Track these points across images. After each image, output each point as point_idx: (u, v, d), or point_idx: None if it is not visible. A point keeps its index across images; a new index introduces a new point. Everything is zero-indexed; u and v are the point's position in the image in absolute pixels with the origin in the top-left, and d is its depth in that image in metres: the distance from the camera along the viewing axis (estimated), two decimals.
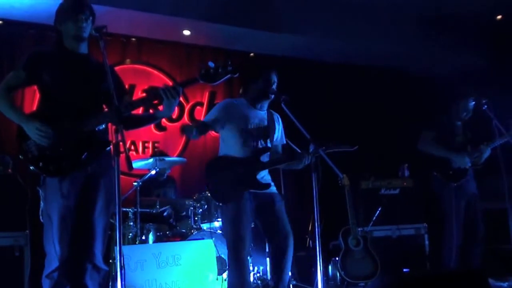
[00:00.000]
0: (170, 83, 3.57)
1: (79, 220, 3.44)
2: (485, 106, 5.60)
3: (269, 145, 4.42)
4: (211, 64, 3.41)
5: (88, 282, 3.47)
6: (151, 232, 5.64)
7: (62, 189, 3.39)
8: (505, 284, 5.72)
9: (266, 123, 4.45)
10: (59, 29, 3.57)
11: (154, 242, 5.55)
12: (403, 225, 6.63)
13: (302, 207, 6.73)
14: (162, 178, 6.50)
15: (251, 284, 4.99)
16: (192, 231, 5.57)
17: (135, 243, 5.42)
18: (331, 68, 8.34)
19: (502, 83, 7.10)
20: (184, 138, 7.53)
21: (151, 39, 7.41)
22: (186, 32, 7.27)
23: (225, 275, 5.09)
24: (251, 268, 5.33)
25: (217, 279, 5.04)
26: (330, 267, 6.22)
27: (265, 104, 4.48)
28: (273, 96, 4.39)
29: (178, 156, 7.23)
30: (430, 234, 6.61)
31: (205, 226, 5.72)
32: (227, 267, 5.10)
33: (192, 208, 5.78)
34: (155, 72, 7.45)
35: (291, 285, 5.46)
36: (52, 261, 3.38)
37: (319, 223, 3.95)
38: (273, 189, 4.42)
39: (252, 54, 8.06)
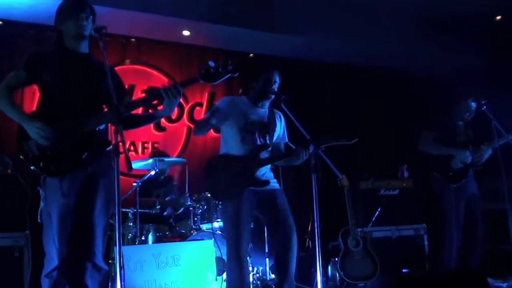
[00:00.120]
0: (167, 84, 3.56)
1: (78, 219, 3.43)
2: (484, 107, 5.61)
3: (268, 142, 4.42)
4: (211, 63, 3.41)
5: (88, 282, 3.47)
6: (151, 233, 5.65)
7: (62, 188, 3.39)
8: (505, 285, 5.71)
9: (266, 120, 4.46)
10: (59, 29, 3.57)
11: (153, 242, 5.55)
12: (402, 226, 6.63)
13: (301, 208, 6.73)
14: (161, 178, 6.49)
15: (250, 284, 4.99)
16: (192, 231, 5.58)
17: (135, 244, 5.42)
18: (330, 68, 8.34)
19: (502, 84, 7.10)
20: (183, 138, 7.54)
21: (151, 40, 7.42)
22: (186, 33, 7.27)
23: (224, 275, 5.09)
24: (250, 268, 5.33)
25: (216, 279, 5.05)
26: (329, 267, 6.22)
27: (266, 103, 4.49)
28: (273, 96, 4.41)
29: (178, 156, 7.23)
30: (429, 235, 6.61)
31: (204, 226, 5.73)
32: (226, 267, 5.11)
33: (191, 208, 5.78)
34: (155, 72, 7.46)
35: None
36: (52, 261, 3.38)
37: (318, 223, 3.95)
38: (275, 185, 4.42)
39: (251, 55, 8.07)
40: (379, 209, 6.54)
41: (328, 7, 7.34)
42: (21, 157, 3.42)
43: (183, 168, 6.48)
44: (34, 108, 5.60)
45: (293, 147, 4.49)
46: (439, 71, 8.33)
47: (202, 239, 5.35)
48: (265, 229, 5.60)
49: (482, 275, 2.89)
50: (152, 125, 7.17)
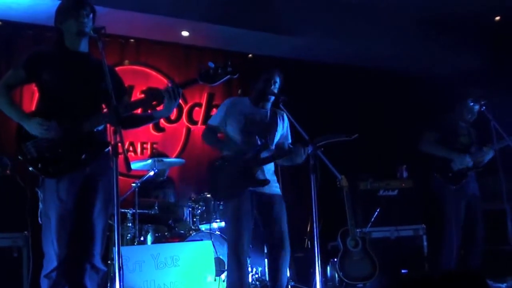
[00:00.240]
0: (169, 84, 3.56)
1: (77, 221, 3.44)
2: (484, 107, 5.62)
3: (270, 142, 4.44)
4: (211, 64, 3.41)
5: (87, 283, 3.48)
6: (150, 233, 5.65)
7: (61, 190, 3.39)
8: (504, 285, 5.71)
9: (267, 121, 4.48)
10: (59, 28, 3.57)
11: (152, 243, 5.55)
12: (401, 226, 6.63)
13: (300, 208, 6.72)
14: (161, 179, 6.49)
15: (250, 285, 4.99)
16: (191, 232, 5.57)
17: (134, 244, 5.41)
18: (330, 68, 8.33)
19: (501, 84, 7.11)
20: (182, 139, 7.54)
21: (150, 40, 7.41)
22: (185, 33, 7.27)
23: (223, 276, 5.09)
24: (249, 269, 5.33)
25: (215, 280, 5.04)
26: (328, 268, 6.22)
27: (267, 104, 4.51)
28: (272, 97, 4.42)
29: (177, 157, 7.23)
30: (429, 235, 6.61)
31: (203, 227, 5.73)
32: (225, 268, 5.11)
33: (190, 209, 5.78)
34: (154, 73, 7.45)
35: (289, 286, 5.46)
36: (51, 261, 3.38)
37: (317, 224, 3.95)
38: (276, 190, 4.44)
39: (250, 55, 8.06)
40: (378, 210, 6.55)
41: (328, 7, 7.33)
42: (19, 158, 3.41)
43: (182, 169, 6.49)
44: (33, 108, 5.62)
45: (289, 145, 4.52)
46: (439, 71, 8.34)
47: (201, 240, 5.35)
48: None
49: (481, 276, 2.89)
50: (151, 126, 7.17)
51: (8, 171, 5.32)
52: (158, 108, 3.72)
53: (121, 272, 3.01)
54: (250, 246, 5.34)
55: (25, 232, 5.20)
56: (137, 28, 6.99)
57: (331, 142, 4.13)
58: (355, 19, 7.42)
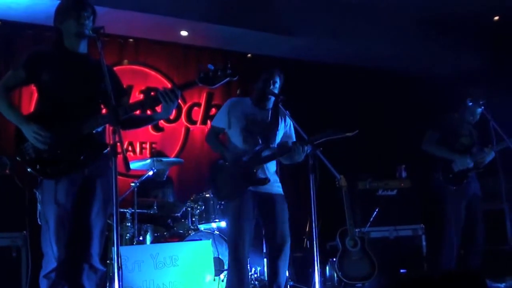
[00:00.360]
0: (169, 85, 3.59)
1: (76, 221, 3.43)
2: (483, 108, 5.62)
3: (271, 142, 4.45)
4: (210, 66, 3.38)
5: (85, 283, 3.47)
6: (149, 233, 5.65)
7: (59, 191, 3.38)
8: (502, 285, 5.72)
9: (268, 121, 4.49)
10: (59, 28, 3.55)
11: (151, 242, 5.55)
12: (400, 226, 6.64)
13: (299, 208, 6.72)
14: (161, 179, 6.49)
15: (249, 284, 4.99)
16: (190, 232, 5.57)
17: (133, 244, 5.41)
18: (330, 69, 8.34)
19: (501, 84, 7.11)
20: (181, 139, 7.54)
21: (149, 40, 7.41)
22: (184, 33, 7.26)
23: (222, 275, 5.09)
24: (248, 268, 5.33)
25: (214, 280, 5.05)
26: (327, 268, 6.23)
27: (268, 104, 4.52)
28: (271, 96, 4.43)
29: (176, 157, 7.23)
30: (428, 235, 6.62)
31: (202, 227, 5.73)
32: (224, 268, 5.11)
33: (189, 209, 5.78)
34: (153, 73, 7.45)
35: (288, 286, 5.46)
36: (50, 262, 3.37)
37: (316, 223, 3.95)
38: (278, 189, 4.46)
39: (249, 55, 8.06)
40: (377, 210, 6.55)
41: (328, 7, 7.33)
42: (18, 158, 3.41)
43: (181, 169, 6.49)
44: (32, 109, 5.61)
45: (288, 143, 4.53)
46: (439, 71, 8.34)
47: (200, 240, 5.35)
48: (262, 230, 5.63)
49: (480, 276, 2.89)
50: (150, 126, 7.17)
51: (7, 171, 5.32)
52: (157, 110, 3.72)
53: (120, 272, 3.02)
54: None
55: (24, 232, 5.21)
56: (136, 28, 6.99)
57: (331, 140, 4.13)
58: (355, 19, 7.42)
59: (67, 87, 3.46)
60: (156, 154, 6.45)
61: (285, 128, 4.59)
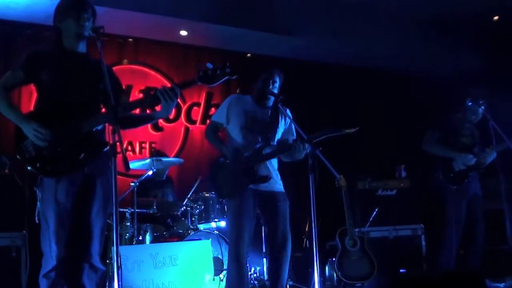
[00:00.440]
0: (168, 84, 3.59)
1: (76, 220, 3.43)
2: (482, 107, 5.62)
3: (271, 140, 4.46)
4: (209, 65, 3.39)
5: (85, 282, 3.47)
6: (148, 233, 5.64)
7: (59, 189, 3.38)
8: (502, 285, 5.72)
9: (268, 119, 4.50)
10: (58, 27, 3.55)
11: (151, 242, 5.55)
12: (400, 226, 6.64)
13: (299, 208, 6.72)
14: (160, 179, 6.49)
15: (249, 284, 5.00)
16: (189, 231, 5.57)
17: (132, 244, 5.41)
18: (330, 69, 8.33)
19: (501, 83, 7.12)
20: (181, 138, 7.54)
21: (148, 40, 7.41)
22: (183, 33, 7.26)
23: (221, 275, 5.09)
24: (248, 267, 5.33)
25: (213, 279, 5.05)
26: (327, 267, 6.22)
27: (268, 103, 4.53)
28: (271, 96, 4.44)
29: (175, 156, 7.23)
30: (428, 235, 6.62)
31: (202, 226, 5.73)
32: (224, 267, 5.11)
33: (189, 208, 5.78)
34: (152, 72, 7.45)
35: (288, 286, 5.46)
36: (49, 261, 3.37)
37: (316, 223, 3.95)
38: (279, 187, 4.47)
39: (249, 55, 8.06)
40: (376, 209, 6.55)
41: (328, 7, 7.33)
42: (18, 157, 3.41)
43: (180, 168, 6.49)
44: (31, 108, 5.61)
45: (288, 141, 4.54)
46: (439, 71, 8.34)
47: (200, 239, 5.35)
48: (263, 229, 5.63)
49: (480, 276, 2.89)
50: (149, 125, 7.17)
51: (6, 170, 5.32)
52: (156, 108, 3.72)
53: (119, 271, 3.01)
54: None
55: (24, 231, 5.20)
56: (136, 28, 6.99)
57: (330, 139, 4.13)
58: (355, 19, 7.42)
59: (66, 87, 3.46)
60: (156, 153, 6.44)
61: (285, 126, 4.60)
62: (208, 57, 7.37)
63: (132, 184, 5.55)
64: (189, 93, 7.59)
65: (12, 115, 3.45)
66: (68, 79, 3.47)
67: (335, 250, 6.04)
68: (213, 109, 7.59)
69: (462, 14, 7.47)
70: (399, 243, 6.60)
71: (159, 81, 7.34)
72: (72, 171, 3.42)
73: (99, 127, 3.50)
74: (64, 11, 3.51)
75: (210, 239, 5.27)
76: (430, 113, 6.13)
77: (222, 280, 5.07)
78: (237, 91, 4.74)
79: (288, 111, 4.56)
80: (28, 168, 3.38)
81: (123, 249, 4.93)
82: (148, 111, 3.99)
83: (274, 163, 4.48)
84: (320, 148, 4.12)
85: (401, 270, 6.38)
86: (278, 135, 4.54)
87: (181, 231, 5.69)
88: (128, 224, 5.54)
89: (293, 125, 4.59)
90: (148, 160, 5.77)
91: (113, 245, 3.02)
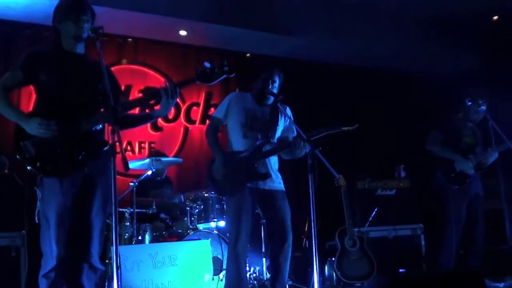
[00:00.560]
0: (168, 83, 3.60)
1: (76, 220, 3.43)
2: (482, 107, 5.62)
3: (271, 137, 4.46)
4: (207, 64, 3.42)
5: (84, 282, 3.47)
6: (148, 232, 5.64)
7: (59, 189, 3.39)
8: (502, 285, 5.71)
9: (268, 117, 4.51)
10: (57, 28, 3.55)
11: (150, 242, 5.55)
12: (399, 226, 6.64)
13: (298, 208, 6.72)
14: (159, 179, 6.49)
15: (248, 283, 5.00)
16: (189, 231, 5.57)
17: (132, 243, 5.41)
18: (330, 69, 8.33)
19: (500, 83, 7.12)
20: (180, 138, 7.54)
21: (148, 40, 7.41)
22: (183, 33, 7.26)
23: (221, 275, 5.09)
24: (247, 268, 5.33)
25: (213, 279, 5.05)
26: (326, 267, 6.22)
27: (267, 102, 4.54)
28: (270, 96, 4.44)
29: (175, 156, 7.22)
30: (427, 235, 6.62)
31: (201, 226, 5.73)
32: (223, 267, 5.11)
33: (188, 208, 5.78)
34: (152, 72, 7.45)
35: (287, 286, 5.46)
36: (49, 261, 3.38)
37: (315, 223, 3.95)
38: (279, 186, 4.47)
39: (248, 55, 8.06)
40: (376, 209, 6.55)
41: (328, 7, 7.34)
42: (17, 157, 3.40)
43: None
44: (30, 109, 5.61)
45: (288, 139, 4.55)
46: (439, 71, 8.35)
47: (199, 239, 5.35)
48: (262, 229, 5.64)
49: (479, 275, 2.89)
50: (149, 125, 7.17)
51: (6, 170, 5.32)
52: (155, 108, 3.72)
53: (119, 271, 3.02)
54: (248, 245, 5.37)
55: (23, 231, 5.20)
56: (135, 28, 6.99)
57: (330, 138, 4.14)
58: (355, 19, 7.43)
59: (65, 87, 3.45)
60: (155, 153, 6.43)
61: (285, 124, 4.61)
62: (207, 57, 7.36)
63: (132, 184, 5.54)
64: (188, 93, 7.59)
65: (13, 114, 3.45)
66: (67, 80, 3.47)
67: (334, 250, 6.04)
68: (212, 109, 7.58)
69: (462, 14, 7.48)
70: (399, 243, 6.60)
71: (159, 81, 7.32)
72: (72, 171, 3.42)
73: (99, 127, 3.50)
74: (63, 12, 3.51)
75: (210, 239, 5.27)
76: (430, 113, 6.13)
77: (221, 280, 5.06)
78: (237, 90, 4.78)
79: (288, 109, 4.58)
80: (28, 168, 3.38)
81: (123, 249, 4.92)
82: (147, 110, 3.99)
83: (274, 164, 4.48)
84: (320, 148, 4.12)
85: (400, 270, 6.38)
86: (278, 133, 4.55)
87: (180, 231, 5.68)
88: (128, 224, 5.54)
89: (292, 122, 4.60)
90: (147, 160, 5.76)
91: (112, 245, 3.02)
